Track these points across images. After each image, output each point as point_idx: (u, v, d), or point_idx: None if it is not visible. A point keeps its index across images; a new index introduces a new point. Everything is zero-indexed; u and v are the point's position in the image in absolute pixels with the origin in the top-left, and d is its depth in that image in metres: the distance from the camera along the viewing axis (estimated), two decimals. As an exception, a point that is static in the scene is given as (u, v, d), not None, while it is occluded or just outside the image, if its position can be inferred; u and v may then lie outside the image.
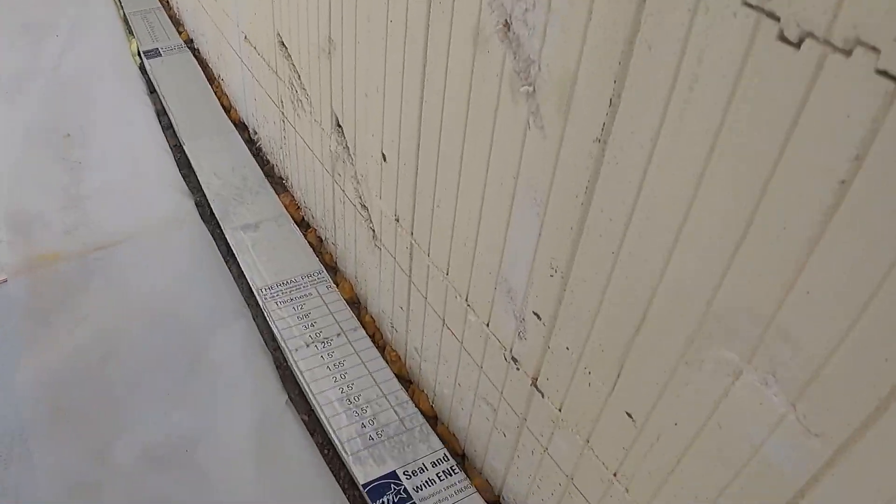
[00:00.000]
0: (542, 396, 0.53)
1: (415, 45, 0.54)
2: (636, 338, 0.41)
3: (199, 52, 1.59)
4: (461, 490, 0.69)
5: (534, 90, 0.42)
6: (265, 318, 0.87)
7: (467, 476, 0.70)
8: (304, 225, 1.03)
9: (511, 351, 0.56)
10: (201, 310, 0.87)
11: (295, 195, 1.05)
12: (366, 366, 0.82)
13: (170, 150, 1.18)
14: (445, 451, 0.72)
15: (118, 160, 1.13)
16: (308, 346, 0.84)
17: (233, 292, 0.90)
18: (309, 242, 0.99)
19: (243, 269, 0.94)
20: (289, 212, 1.03)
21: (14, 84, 1.32)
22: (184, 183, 1.10)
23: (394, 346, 0.82)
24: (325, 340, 0.85)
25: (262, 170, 1.16)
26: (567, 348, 0.48)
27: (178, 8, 1.77)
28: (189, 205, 1.05)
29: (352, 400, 0.77)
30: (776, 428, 0.33)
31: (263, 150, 1.17)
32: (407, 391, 0.79)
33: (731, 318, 0.34)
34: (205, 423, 0.75)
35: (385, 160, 0.65)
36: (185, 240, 0.97)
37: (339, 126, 0.75)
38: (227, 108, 1.35)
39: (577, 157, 0.40)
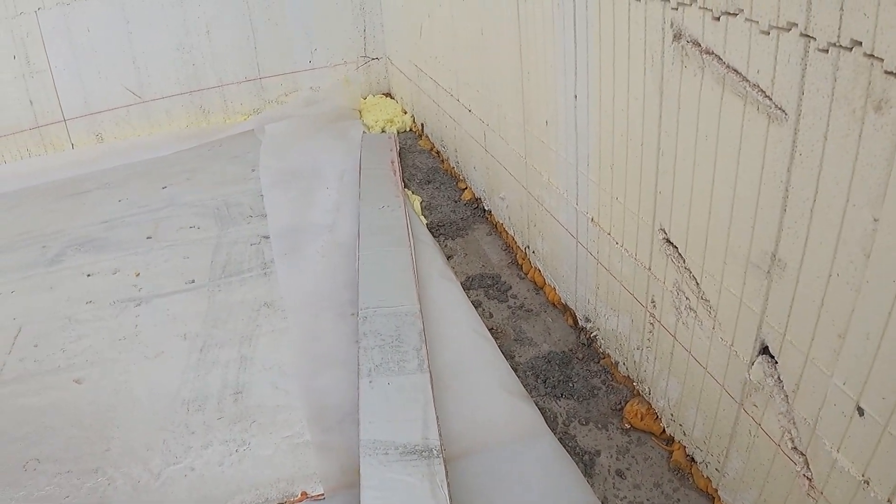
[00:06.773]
0: None
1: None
2: None
3: (489, 214, 1.64)
4: None
5: None
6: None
7: None
8: (664, 437, 0.97)
9: None
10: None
11: (655, 404, 0.99)
12: None
13: (490, 336, 1.14)
14: None
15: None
16: None
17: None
18: (675, 461, 0.93)
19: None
20: (639, 419, 0.99)
21: (293, 242, 1.45)
22: (519, 384, 1.05)
23: None
24: None
25: (599, 363, 1.12)
26: None
27: (455, 164, 1.85)
28: (530, 410, 1.00)
29: None
30: None
31: (601, 342, 1.13)
32: None
33: None
34: None
35: (861, 415, 0.59)
36: (532, 455, 0.92)
37: (771, 356, 0.70)
38: (540, 286, 1.35)
39: None
